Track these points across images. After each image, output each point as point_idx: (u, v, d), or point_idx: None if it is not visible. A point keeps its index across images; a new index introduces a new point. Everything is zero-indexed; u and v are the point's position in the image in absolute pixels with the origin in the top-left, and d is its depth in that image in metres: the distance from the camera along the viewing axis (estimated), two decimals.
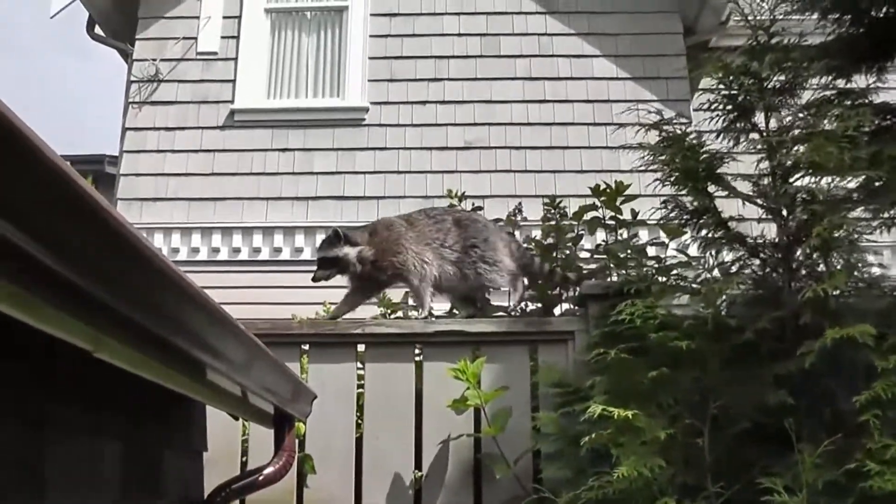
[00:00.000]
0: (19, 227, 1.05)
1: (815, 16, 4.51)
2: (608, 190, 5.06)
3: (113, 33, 9.97)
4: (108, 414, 2.35)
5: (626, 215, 5.10)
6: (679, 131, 4.13)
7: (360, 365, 4.38)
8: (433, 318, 4.68)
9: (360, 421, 4.29)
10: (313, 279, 4.58)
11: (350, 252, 4.52)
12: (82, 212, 1.21)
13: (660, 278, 4.32)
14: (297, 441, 3.74)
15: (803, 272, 3.91)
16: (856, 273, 3.77)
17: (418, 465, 4.17)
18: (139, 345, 1.64)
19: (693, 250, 4.44)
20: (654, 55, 9.28)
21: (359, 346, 4.38)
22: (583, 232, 5.20)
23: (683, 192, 4.13)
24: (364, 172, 8.99)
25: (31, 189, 1.08)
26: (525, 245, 5.18)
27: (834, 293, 3.55)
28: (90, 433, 2.23)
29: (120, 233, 1.32)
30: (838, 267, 3.76)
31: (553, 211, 5.07)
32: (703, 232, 4.16)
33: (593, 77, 9.29)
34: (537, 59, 9.40)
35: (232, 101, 9.31)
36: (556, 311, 4.98)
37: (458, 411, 4.03)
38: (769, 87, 4.09)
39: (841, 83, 4.45)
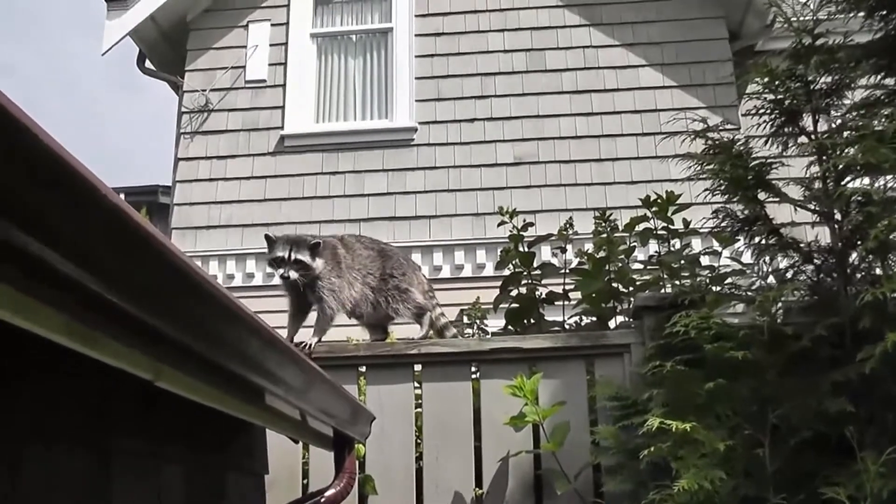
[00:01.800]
0: (79, 264, 1.09)
1: (861, 15, 4.46)
2: (659, 200, 5.04)
3: (163, 66, 10.18)
4: (172, 440, 2.40)
5: (678, 225, 5.08)
6: (726, 139, 4.11)
7: (416, 385, 4.41)
8: (488, 336, 4.68)
9: (419, 440, 4.31)
10: (283, 276, 4.38)
11: (318, 266, 4.42)
12: (138, 245, 1.24)
13: (713, 288, 4.28)
14: (357, 462, 3.78)
15: (859, 276, 3.86)
16: None
17: (478, 483, 4.17)
18: (197, 373, 1.68)
19: (747, 257, 4.40)
20: (700, 62, 9.24)
21: (415, 366, 4.40)
22: (635, 244, 5.19)
23: (733, 200, 4.10)
24: (415, 192, 9.06)
25: (90, 226, 1.12)
26: (577, 258, 5.19)
27: (893, 296, 3.49)
28: (155, 459, 2.28)
29: (176, 265, 1.36)
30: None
31: (604, 224, 5.06)
32: (756, 239, 4.13)
33: (640, 87, 9.28)
34: (583, 72, 9.41)
35: (282, 128, 9.43)
36: (612, 323, 4.97)
37: (516, 428, 4.04)
38: (816, 89, 4.05)
39: (890, 82, 4.39)
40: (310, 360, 2.42)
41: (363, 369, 4.42)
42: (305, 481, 4.21)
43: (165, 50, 10.06)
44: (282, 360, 2.02)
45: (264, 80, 9.69)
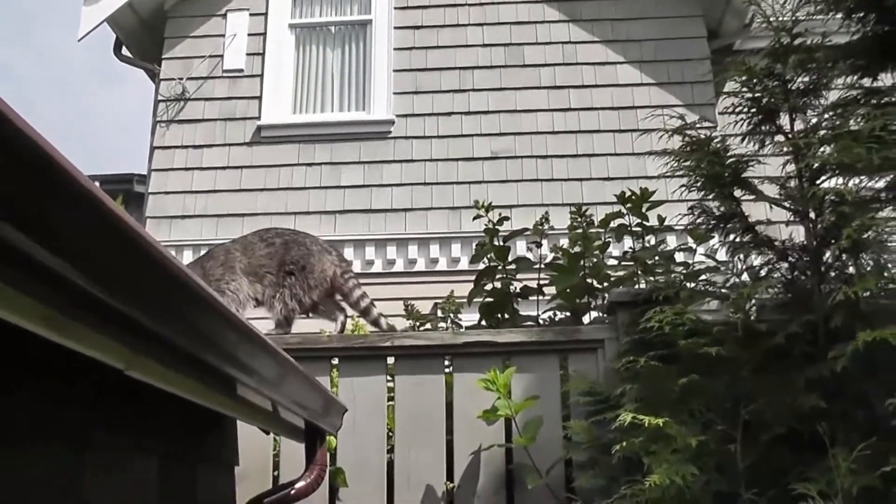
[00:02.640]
0: (51, 250, 1.07)
1: (839, 15, 4.48)
2: (634, 197, 5.05)
3: (140, 54, 10.10)
4: (142, 430, 2.37)
5: (653, 221, 5.09)
6: (703, 136, 4.12)
7: (389, 377, 4.40)
8: (462, 330, 4.68)
9: (391, 433, 4.30)
10: None
11: None
12: (111, 232, 1.23)
13: (688, 284, 4.30)
14: (328, 454, 3.76)
15: (833, 275, 3.88)
16: (886, 274, 3.74)
17: (450, 477, 4.17)
18: (170, 362, 1.66)
19: (722, 255, 4.42)
20: (679, 60, 9.27)
21: (388, 358, 4.39)
22: (610, 239, 5.20)
23: (709, 197, 4.11)
24: (391, 185, 9.03)
25: (62, 213, 1.10)
26: (552, 253, 5.20)
27: (864, 295, 3.51)
28: (126, 450, 2.26)
29: (149, 252, 1.34)
30: (868, 269, 3.74)
31: (579, 219, 5.07)
32: (731, 237, 4.14)
33: (618, 84, 9.29)
34: (561, 68, 9.41)
35: (258, 118, 9.38)
36: (586, 319, 4.97)
37: (488, 422, 4.04)
38: (793, 88, 4.07)
39: (867, 82, 4.42)
40: (282, 350, 2.40)
41: (336, 361, 4.41)
42: (276, 473, 4.20)
43: (143, 37, 9.98)
44: (255, 351, 2.01)
45: (242, 70, 9.64)
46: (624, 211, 5.09)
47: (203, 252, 8.73)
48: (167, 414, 2.47)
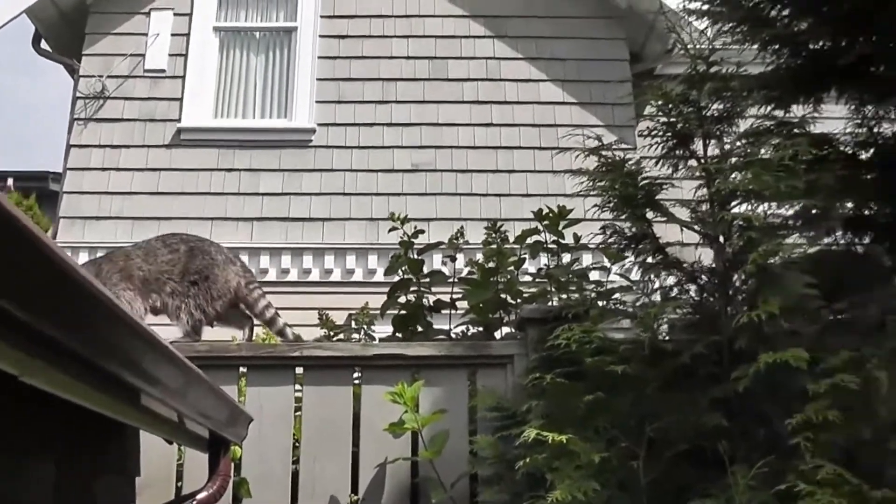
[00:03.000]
0: None
1: (755, 47, 4.60)
2: (551, 214, 5.10)
3: (59, 48, 9.89)
4: (38, 437, 2.32)
5: (570, 239, 5.14)
6: (619, 157, 4.18)
7: (298, 387, 4.37)
8: (374, 342, 4.67)
9: (297, 444, 4.27)
10: None
11: None
12: (3, 232, 1.20)
13: (600, 303, 4.35)
14: (233, 465, 3.72)
15: (740, 298, 3.96)
16: (790, 299, 3.83)
17: (355, 489, 4.15)
18: (69, 370, 1.63)
19: (637, 274, 4.49)
20: (601, 81, 9.39)
21: (298, 368, 4.36)
22: (525, 256, 5.23)
23: (622, 217, 4.17)
24: (310, 194, 8.98)
25: None
26: (467, 268, 5.22)
27: (768, 318, 3.60)
28: (20, 456, 2.21)
29: (42, 251, 1.31)
30: (773, 291, 3.82)
31: (494, 235, 5.10)
32: (642, 257, 4.21)
33: (540, 102, 9.39)
34: (485, 83, 9.47)
35: (179, 120, 9.26)
36: (498, 334, 5.00)
37: (395, 435, 4.03)
38: (708, 115, 4.15)
39: (780, 113, 4.54)
40: (187, 360, 2.37)
41: (244, 370, 4.37)
42: (179, 483, 4.13)
43: (63, 31, 9.78)
44: (158, 360, 1.98)
45: (164, 71, 9.50)
46: (541, 228, 5.13)
47: None
48: (65, 421, 2.41)
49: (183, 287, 4.64)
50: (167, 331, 4.52)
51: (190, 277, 4.67)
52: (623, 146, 4.43)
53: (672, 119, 4.20)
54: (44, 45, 9.86)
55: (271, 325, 4.84)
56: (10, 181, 14.44)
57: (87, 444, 2.79)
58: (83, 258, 8.42)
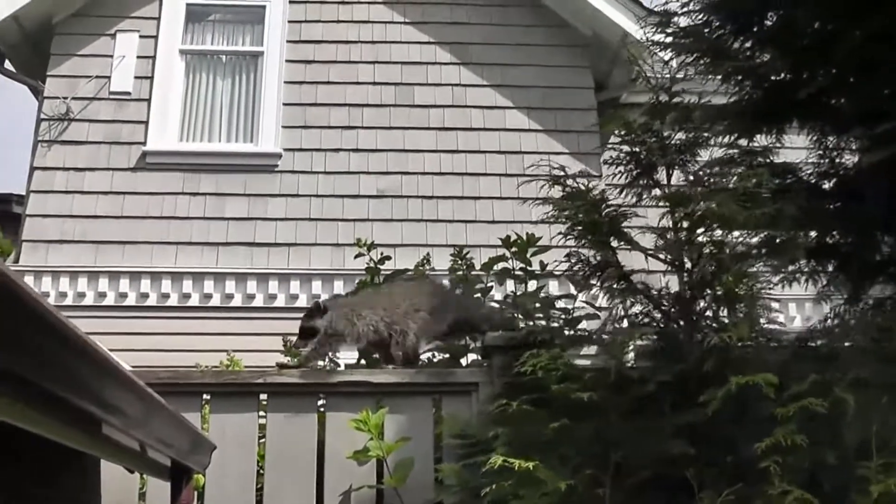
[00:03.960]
0: None
1: (718, 78, 4.65)
2: (518, 241, 5.11)
3: (23, 69, 9.78)
4: None
5: (536, 266, 5.15)
6: (583, 186, 4.21)
7: (263, 414, 4.33)
8: (337, 368, 4.64)
9: (261, 471, 4.23)
10: None
11: None
12: None
13: (566, 330, 4.36)
14: (196, 493, 3.68)
15: (705, 324, 3.99)
16: (757, 325, 3.87)
17: None
18: (20, 397, 1.60)
19: (604, 302, 4.50)
20: (566, 109, 9.44)
21: (262, 395, 4.33)
22: (492, 283, 5.24)
23: (586, 245, 4.19)
24: (276, 219, 8.93)
25: None
26: None
27: (737, 343, 3.63)
28: None
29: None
30: (742, 316, 3.86)
31: (460, 261, 5.10)
32: (607, 284, 4.23)
33: (506, 128, 9.41)
34: (451, 110, 9.48)
35: (144, 143, 9.18)
36: (464, 361, 4.99)
37: (360, 462, 4.00)
38: (671, 144, 4.20)
39: (743, 143, 4.59)
40: (148, 387, 2.34)
41: (207, 397, 4.32)
42: None
43: (27, 52, 9.68)
44: (119, 389, 1.95)
45: (129, 93, 9.42)
46: (508, 255, 5.14)
47: (80, 280, 8.53)
48: (18, 449, 2.37)
49: None
50: None
51: None
52: (588, 174, 4.46)
53: (636, 149, 4.24)
54: (7, 65, 9.76)
55: None
56: None
57: (42, 474, 2.75)
58: (46, 283, 8.34)
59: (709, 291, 3.96)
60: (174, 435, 2.75)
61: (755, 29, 4.61)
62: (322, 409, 4.35)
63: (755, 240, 4.13)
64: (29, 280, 8.06)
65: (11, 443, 2.16)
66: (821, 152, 4.58)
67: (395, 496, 3.96)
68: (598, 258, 4.20)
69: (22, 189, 9.70)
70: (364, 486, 4.06)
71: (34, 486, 2.67)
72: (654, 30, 4.62)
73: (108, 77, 9.41)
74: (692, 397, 3.51)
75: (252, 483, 4.16)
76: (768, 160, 4.38)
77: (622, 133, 4.23)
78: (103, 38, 9.57)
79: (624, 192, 4.31)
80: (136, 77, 9.47)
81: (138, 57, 9.54)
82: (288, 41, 9.67)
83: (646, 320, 4.15)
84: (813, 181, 4.55)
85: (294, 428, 4.24)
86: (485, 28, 9.82)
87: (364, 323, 4.53)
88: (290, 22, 9.75)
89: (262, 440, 4.29)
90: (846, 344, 3.92)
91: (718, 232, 4.03)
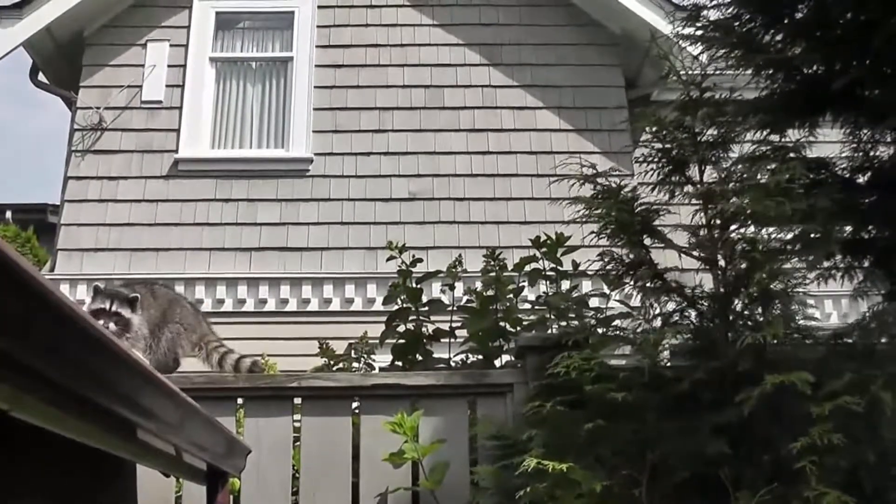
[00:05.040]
0: None
1: (749, 72, 4.60)
2: (549, 242, 5.09)
3: (57, 80, 9.92)
4: (31, 472, 2.30)
5: (568, 266, 5.13)
6: (615, 184, 4.18)
7: (297, 418, 4.34)
8: (374, 371, 4.64)
9: (296, 475, 4.24)
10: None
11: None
12: None
13: (599, 329, 4.33)
14: (231, 497, 3.69)
15: (740, 322, 3.95)
16: (793, 324, 3.83)
17: None
18: (59, 403, 1.61)
19: (637, 301, 4.48)
20: (597, 107, 9.42)
21: (296, 399, 4.34)
22: (524, 284, 5.22)
23: (619, 244, 4.17)
24: (307, 224, 8.97)
25: None
26: (466, 296, 5.23)
27: (772, 342, 3.59)
28: (12, 493, 2.18)
29: (31, 284, 1.30)
30: (776, 314, 3.82)
31: (493, 263, 5.09)
32: (641, 283, 4.20)
33: (536, 129, 9.40)
34: (481, 111, 9.49)
35: (176, 151, 9.26)
36: (498, 362, 4.98)
37: (395, 465, 4.00)
38: (702, 140, 4.16)
39: (775, 137, 4.54)
40: (184, 393, 2.35)
41: (241, 401, 4.34)
42: None
43: (60, 64, 9.81)
44: (156, 395, 1.96)
45: (161, 102, 9.51)
46: (539, 255, 5.12)
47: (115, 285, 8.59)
48: (58, 455, 2.39)
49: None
50: None
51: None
52: (620, 172, 4.43)
53: (667, 145, 4.21)
54: (41, 77, 9.89)
55: (223, 362, 4.83)
56: (8, 213, 14.43)
57: (82, 477, 2.77)
58: (82, 291, 8.41)
59: (743, 289, 3.92)
60: (210, 439, 2.76)
61: (786, 21, 4.55)
62: (357, 412, 4.35)
63: (789, 236, 4.09)
64: (65, 288, 8.13)
65: (50, 446, 2.18)
66: (855, 145, 4.52)
67: (430, 498, 3.95)
68: (631, 257, 4.17)
69: (57, 199, 9.80)
70: (400, 488, 4.06)
71: (75, 487, 2.69)
72: (683, 24, 4.59)
73: (140, 86, 9.50)
74: (728, 396, 3.48)
75: (287, 486, 4.17)
76: (801, 154, 4.33)
77: (653, 130, 4.19)
78: (134, 48, 9.67)
79: (656, 190, 4.28)
80: (167, 86, 9.55)
81: (169, 66, 9.63)
82: (317, 46, 9.71)
83: (680, 319, 4.11)
84: (847, 175, 4.49)
85: (329, 431, 4.24)
86: (514, 28, 9.81)
87: None
88: (318, 27, 9.79)
89: (298, 443, 4.30)
90: (883, 340, 3.87)
91: (752, 228, 3.99)
